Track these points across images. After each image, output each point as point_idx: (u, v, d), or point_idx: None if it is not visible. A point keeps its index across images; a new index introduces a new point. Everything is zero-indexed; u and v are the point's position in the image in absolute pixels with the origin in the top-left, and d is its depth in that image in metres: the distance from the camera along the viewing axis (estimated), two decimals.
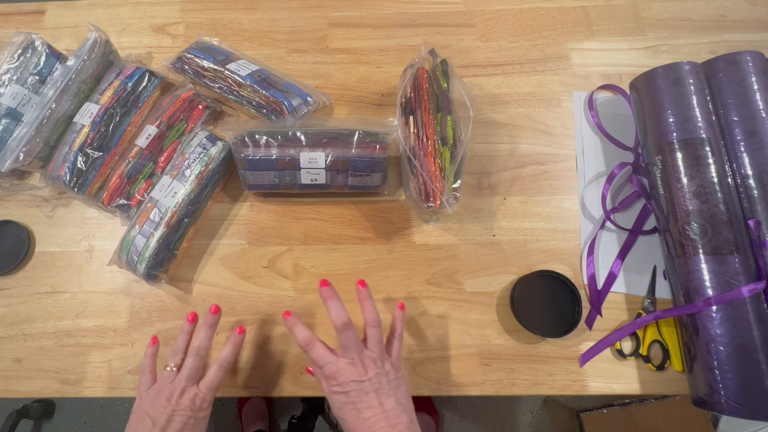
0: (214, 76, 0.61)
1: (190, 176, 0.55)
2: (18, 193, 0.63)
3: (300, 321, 0.48)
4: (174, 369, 0.48)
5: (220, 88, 0.61)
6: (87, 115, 0.58)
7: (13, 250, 0.60)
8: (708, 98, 0.55)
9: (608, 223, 0.59)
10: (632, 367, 0.55)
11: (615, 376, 0.55)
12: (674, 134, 0.54)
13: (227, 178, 0.62)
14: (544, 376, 0.55)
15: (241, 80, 0.60)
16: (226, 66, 0.61)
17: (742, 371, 0.47)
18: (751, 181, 0.51)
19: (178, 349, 0.49)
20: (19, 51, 0.59)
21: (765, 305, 0.48)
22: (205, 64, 0.62)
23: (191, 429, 0.46)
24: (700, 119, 0.53)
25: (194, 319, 0.51)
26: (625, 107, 0.63)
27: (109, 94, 0.59)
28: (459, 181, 0.54)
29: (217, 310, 0.50)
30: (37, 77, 0.59)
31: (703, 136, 0.53)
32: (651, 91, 0.57)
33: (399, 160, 0.62)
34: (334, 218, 0.61)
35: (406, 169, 0.57)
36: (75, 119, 0.58)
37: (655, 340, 0.55)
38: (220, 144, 0.58)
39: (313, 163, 0.54)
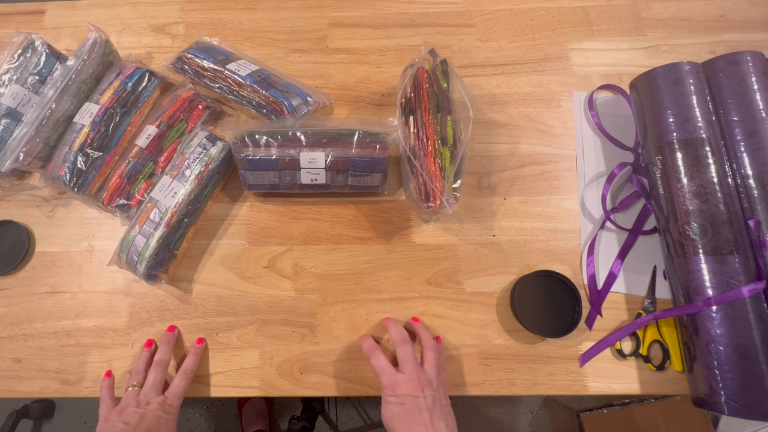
0: (214, 76, 0.61)
1: (190, 176, 0.55)
2: (18, 193, 0.63)
3: (368, 334, 0.55)
4: (136, 387, 0.51)
5: (220, 88, 0.61)
6: (87, 115, 0.58)
7: (13, 250, 0.60)
8: (708, 98, 0.55)
9: (608, 223, 0.59)
10: (632, 367, 0.55)
11: (615, 376, 0.55)
12: (674, 134, 0.54)
13: (227, 178, 0.62)
14: (544, 376, 0.55)
15: (241, 80, 0.60)
16: (226, 66, 0.61)
17: (742, 371, 0.47)
18: (751, 181, 0.51)
19: (138, 370, 0.53)
20: (19, 51, 0.59)
21: (765, 305, 0.48)
22: (205, 64, 0.62)
23: (164, 423, 0.49)
24: (700, 119, 0.53)
25: (150, 344, 0.56)
26: (625, 107, 0.63)
27: (109, 94, 0.59)
28: (459, 181, 0.54)
29: (173, 329, 0.57)
30: (37, 77, 0.59)
31: (703, 136, 0.53)
32: (651, 91, 0.57)
33: (399, 160, 0.62)
34: (334, 218, 0.61)
35: (406, 169, 0.57)
36: (75, 119, 0.58)
37: (655, 340, 0.55)
38: (220, 144, 0.58)
39: (313, 163, 0.54)
